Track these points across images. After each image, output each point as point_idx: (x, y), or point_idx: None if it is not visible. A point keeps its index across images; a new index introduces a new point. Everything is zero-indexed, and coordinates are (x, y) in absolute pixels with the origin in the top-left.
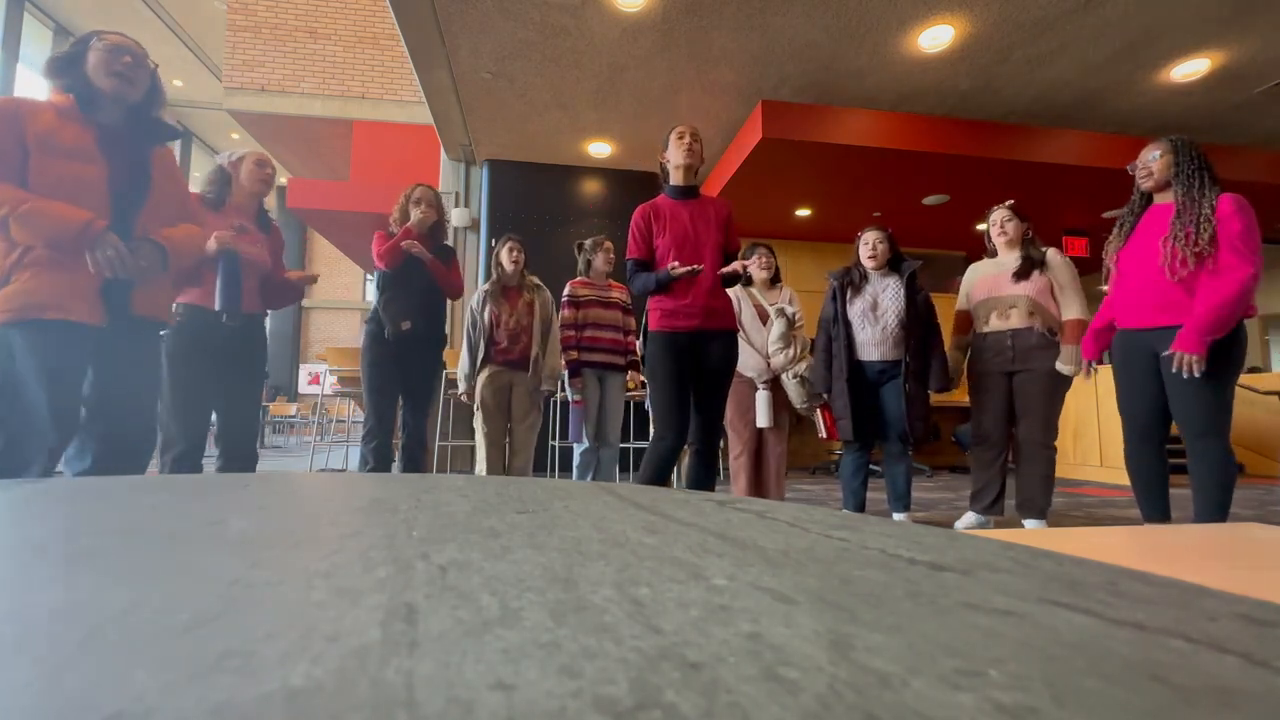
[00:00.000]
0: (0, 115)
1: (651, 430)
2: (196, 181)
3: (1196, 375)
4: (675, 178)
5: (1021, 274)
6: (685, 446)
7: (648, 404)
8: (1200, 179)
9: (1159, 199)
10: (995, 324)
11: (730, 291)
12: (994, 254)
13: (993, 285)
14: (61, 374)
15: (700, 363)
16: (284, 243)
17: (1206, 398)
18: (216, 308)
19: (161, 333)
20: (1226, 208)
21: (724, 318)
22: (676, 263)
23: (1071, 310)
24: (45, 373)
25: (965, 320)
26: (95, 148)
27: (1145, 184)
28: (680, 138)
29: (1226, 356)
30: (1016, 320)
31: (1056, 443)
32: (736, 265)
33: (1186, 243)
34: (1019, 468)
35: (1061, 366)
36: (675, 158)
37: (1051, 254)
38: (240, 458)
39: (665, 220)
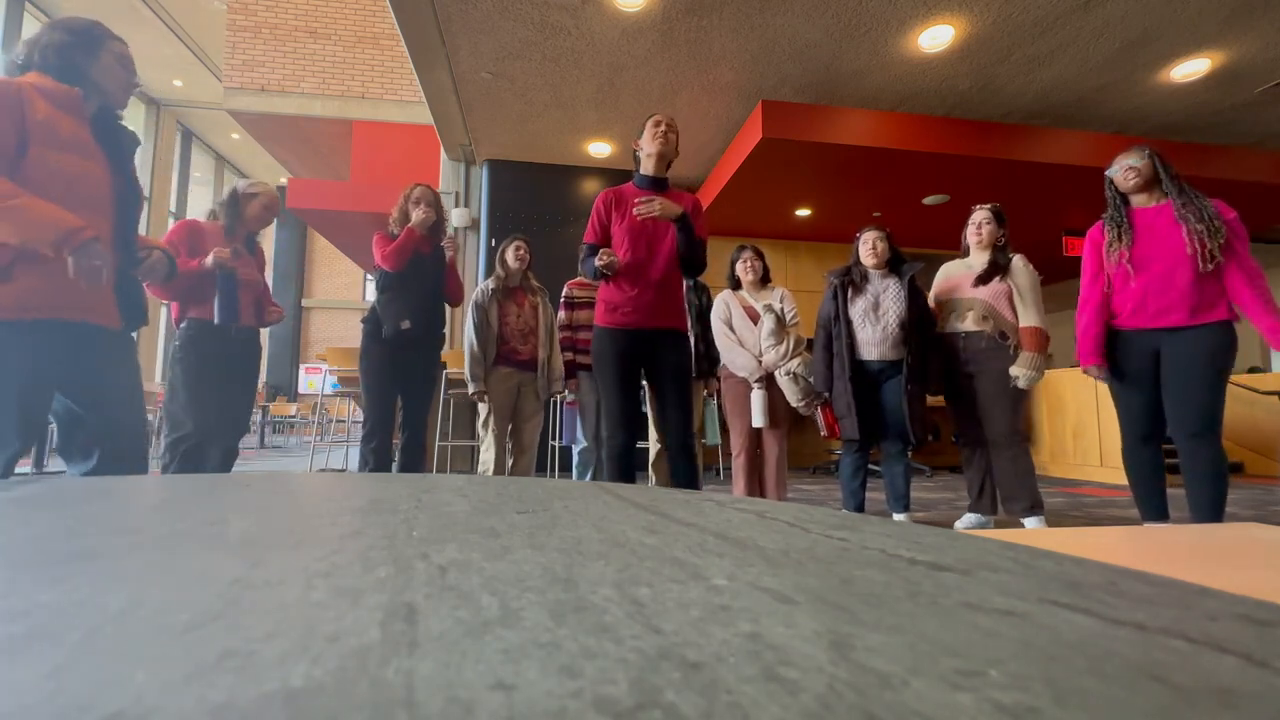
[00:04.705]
0: (2, 98)
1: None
2: (197, 181)
3: None
4: (646, 166)
5: (983, 278)
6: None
7: (645, 406)
8: (1181, 183)
9: (1136, 202)
10: (952, 325)
11: (718, 298)
12: (966, 254)
13: (955, 286)
14: (72, 377)
15: (654, 364)
16: (264, 262)
17: (1202, 398)
18: (216, 321)
19: (176, 342)
20: (1232, 214)
21: (672, 316)
22: (605, 251)
23: (1029, 318)
24: (54, 376)
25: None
26: (94, 143)
27: (1131, 182)
28: (656, 125)
29: (1219, 357)
30: (971, 323)
31: (1032, 437)
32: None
33: (1210, 235)
34: (995, 466)
35: (1017, 371)
36: (648, 146)
37: (1016, 261)
38: (228, 450)
39: (626, 208)
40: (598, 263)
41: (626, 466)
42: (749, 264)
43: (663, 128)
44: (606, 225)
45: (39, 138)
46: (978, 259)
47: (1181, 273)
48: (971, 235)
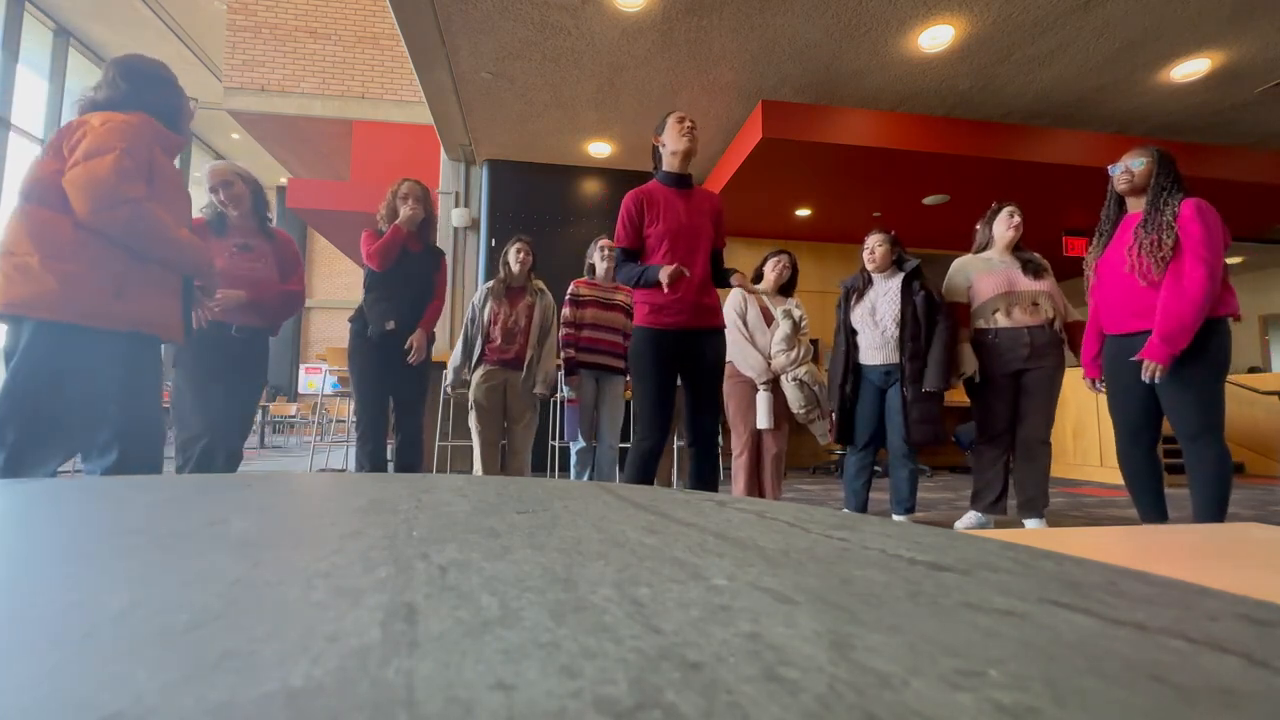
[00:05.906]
0: (141, 132)
1: (633, 431)
2: (197, 181)
3: (1158, 380)
4: (670, 164)
5: (1034, 273)
6: (686, 449)
7: None
8: (1170, 189)
9: (1131, 206)
10: (1019, 318)
11: (736, 291)
12: (981, 249)
13: (1007, 281)
14: (144, 384)
15: (693, 362)
16: (294, 248)
17: (1193, 400)
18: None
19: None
20: (1187, 212)
21: (713, 315)
22: (678, 267)
23: (1073, 313)
24: (130, 383)
25: (968, 314)
26: (182, 183)
27: (1122, 185)
28: (680, 122)
29: (1206, 358)
30: (1041, 316)
31: (1052, 440)
32: (736, 279)
33: (1152, 249)
34: (1021, 467)
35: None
36: (673, 143)
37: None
38: (231, 452)
39: (659, 209)
40: (666, 280)
41: (650, 472)
42: (780, 268)
43: (687, 124)
44: (639, 227)
45: (159, 178)
46: (1003, 256)
47: (1131, 280)
48: (1007, 229)
